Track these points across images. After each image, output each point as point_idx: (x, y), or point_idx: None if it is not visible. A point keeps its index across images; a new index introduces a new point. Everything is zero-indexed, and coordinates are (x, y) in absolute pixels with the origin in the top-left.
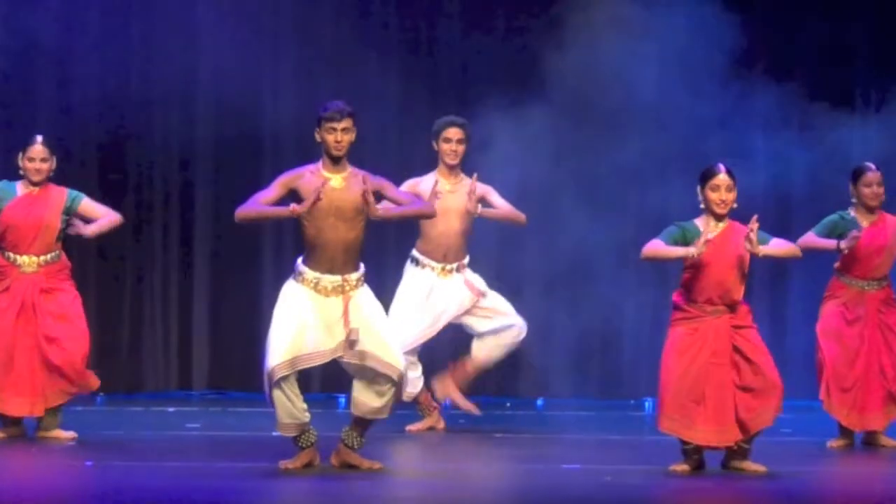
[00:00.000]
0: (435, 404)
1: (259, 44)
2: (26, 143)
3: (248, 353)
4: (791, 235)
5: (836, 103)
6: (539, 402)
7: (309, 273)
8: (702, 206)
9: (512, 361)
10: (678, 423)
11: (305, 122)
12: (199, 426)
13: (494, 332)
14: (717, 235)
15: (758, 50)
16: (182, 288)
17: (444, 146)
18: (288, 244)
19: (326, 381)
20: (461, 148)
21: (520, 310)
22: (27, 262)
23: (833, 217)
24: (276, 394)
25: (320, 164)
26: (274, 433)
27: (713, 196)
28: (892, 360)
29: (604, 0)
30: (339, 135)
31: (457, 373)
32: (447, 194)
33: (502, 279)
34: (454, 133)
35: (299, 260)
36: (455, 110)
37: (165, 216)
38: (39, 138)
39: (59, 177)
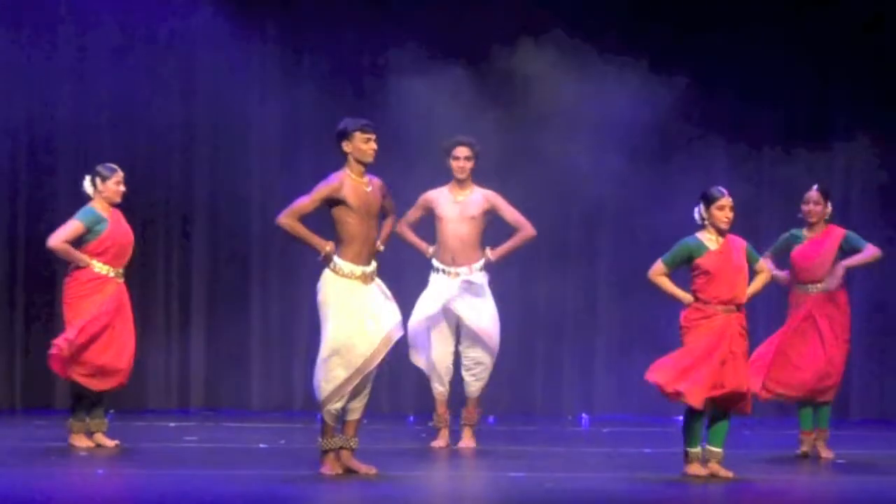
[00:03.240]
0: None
1: (249, 102)
2: (104, 170)
3: (238, 375)
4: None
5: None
6: (490, 419)
7: (356, 268)
8: (704, 222)
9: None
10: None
11: (288, 169)
12: (196, 439)
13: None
14: (720, 247)
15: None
16: (181, 319)
17: (453, 163)
18: (273, 279)
19: (307, 400)
20: (469, 164)
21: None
22: (119, 273)
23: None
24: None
25: (347, 171)
26: (261, 445)
27: (720, 215)
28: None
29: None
30: (373, 143)
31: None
32: (456, 204)
33: None
34: (461, 151)
35: (336, 258)
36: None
37: (167, 249)
38: (115, 167)
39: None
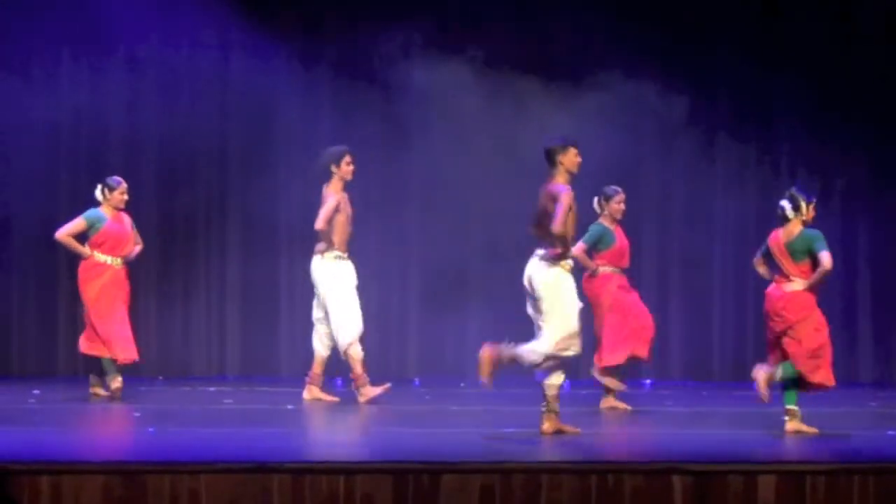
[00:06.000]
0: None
1: (272, 114)
2: (112, 182)
3: (268, 347)
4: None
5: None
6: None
7: (567, 261)
8: (605, 212)
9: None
10: None
11: (308, 166)
12: (232, 401)
13: None
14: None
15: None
16: (219, 301)
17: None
18: (297, 268)
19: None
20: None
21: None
22: (117, 262)
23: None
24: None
25: (565, 182)
26: (289, 406)
27: (620, 208)
28: None
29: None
30: (579, 157)
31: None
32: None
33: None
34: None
35: (560, 255)
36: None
37: (207, 242)
38: (121, 179)
39: (135, 206)
